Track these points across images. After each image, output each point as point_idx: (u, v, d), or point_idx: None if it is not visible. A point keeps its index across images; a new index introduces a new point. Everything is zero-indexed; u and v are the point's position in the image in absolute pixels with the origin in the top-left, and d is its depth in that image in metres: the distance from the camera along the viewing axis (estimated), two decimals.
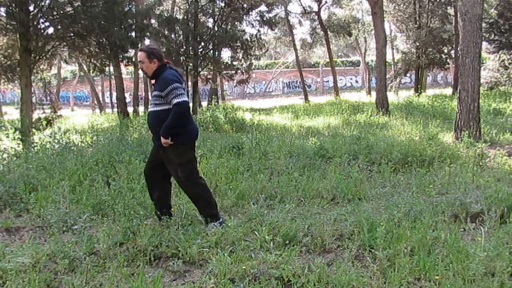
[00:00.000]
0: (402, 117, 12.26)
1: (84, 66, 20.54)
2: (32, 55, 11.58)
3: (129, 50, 14.60)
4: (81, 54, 14.18)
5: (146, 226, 3.54)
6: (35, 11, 11.19)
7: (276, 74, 44.68)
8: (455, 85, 19.22)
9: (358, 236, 3.34)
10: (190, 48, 16.58)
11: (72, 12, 11.57)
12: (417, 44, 22.62)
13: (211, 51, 19.08)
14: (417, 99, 16.36)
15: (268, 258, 2.98)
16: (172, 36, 17.58)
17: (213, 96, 24.15)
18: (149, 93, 23.69)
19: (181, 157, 3.66)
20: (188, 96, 3.23)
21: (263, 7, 20.84)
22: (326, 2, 26.96)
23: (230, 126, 11.21)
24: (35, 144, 6.96)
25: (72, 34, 12.26)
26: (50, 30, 12.24)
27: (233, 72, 20.42)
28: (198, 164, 4.17)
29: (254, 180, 5.06)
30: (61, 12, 11.46)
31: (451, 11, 22.58)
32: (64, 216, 3.91)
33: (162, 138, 3.56)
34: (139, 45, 15.54)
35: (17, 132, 7.07)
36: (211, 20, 19.35)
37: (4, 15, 11.29)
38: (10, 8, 10.70)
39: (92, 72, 17.93)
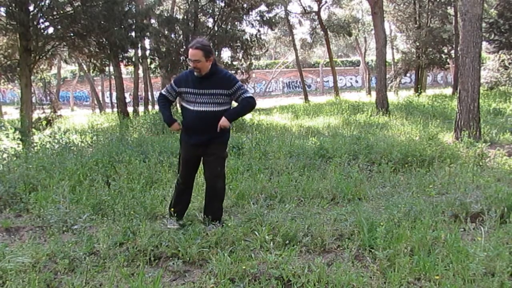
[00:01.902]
0: (402, 117, 12.26)
1: (84, 66, 20.56)
2: (32, 55, 11.59)
3: (129, 50, 14.61)
4: (81, 54, 14.19)
5: (146, 226, 3.53)
6: (35, 11, 11.19)
7: (276, 74, 44.68)
8: (455, 85, 19.22)
9: (358, 236, 3.34)
10: None
11: (72, 12, 11.58)
12: (417, 44, 22.63)
13: None
14: (417, 99, 16.37)
15: (268, 258, 2.97)
16: (172, 36, 17.60)
17: None
18: (149, 93, 23.75)
19: (225, 152, 3.84)
20: None
21: (263, 7, 20.85)
22: (326, 2, 26.97)
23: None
24: (35, 144, 6.96)
25: (72, 34, 12.27)
26: (50, 30, 12.26)
27: (233, 72, 20.43)
28: None
29: (254, 180, 5.06)
30: (61, 12, 11.46)
31: (451, 11, 22.58)
32: (64, 216, 3.90)
33: (225, 121, 3.57)
34: (139, 45, 15.59)
35: (17, 132, 7.07)
36: (211, 20, 19.38)
37: (4, 15, 11.30)
38: (10, 8, 10.70)
39: (92, 72, 17.94)
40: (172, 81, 3.84)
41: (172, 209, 3.77)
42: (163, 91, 3.84)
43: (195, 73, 3.60)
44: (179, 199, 3.87)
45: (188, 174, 3.84)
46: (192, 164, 3.82)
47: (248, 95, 3.67)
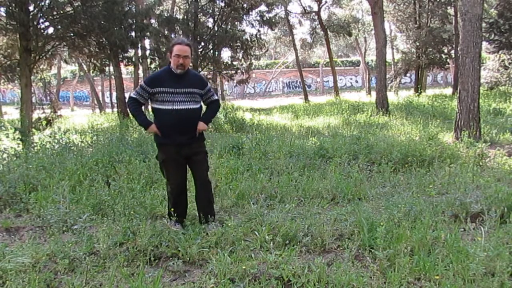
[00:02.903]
0: (402, 117, 12.26)
1: (84, 66, 20.57)
2: (32, 55, 11.60)
3: (129, 50, 14.61)
4: (81, 54, 14.20)
5: (146, 226, 3.53)
6: (35, 11, 11.20)
7: (276, 74, 44.70)
8: (455, 85, 19.22)
9: (358, 236, 3.34)
10: None
11: (72, 12, 11.58)
12: (417, 44, 22.62)
13: (211, 51, 19.10)
14: (417, 99, 16.36)
15: (268, 258, 2.97)
16: (172, 36, 17.59)
17: None
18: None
19: (205, 147, 3.96)
20: None
21: (263, 7, 20.87)
22: (326, 2, 26.98)
23: (230, 126, 11.21)
24: (35, 144, 6.96)
25: (72, 34, 12.28)
26: (50, 30, 12.27)
27: (233, 72, 20.45)
28: None
29: (254, 180, 5.06)
30: (61, 12, 11.47)
31: (451, 11, 22.57)
32: (64, 216, 3.91)
33: (204, 125, 3.76)
34: (139, 45, 15.59)
35: (17, 132, 7.08)
36: (211, 20, 19.38)
37: (4, 15, 11.30)
38: (10, 8, 10.71)
39: (92, 72, 17.96)
40: (142, 83, 3.72)
41: (172, 209, 3.74)
42: (132, 95, 3.72)
43: (178, 71, 3.60)
44: (176, 204, 3.79)
45: (179, 176, 3.77)
46: (180, 164, 3.76)
47: (216, 98, 3.94)
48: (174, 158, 3.70)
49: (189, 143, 3.69)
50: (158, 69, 18.13)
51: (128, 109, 3.82)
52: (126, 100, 3.78)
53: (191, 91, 3.66)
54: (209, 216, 3.77)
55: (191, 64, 4.05)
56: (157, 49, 17.57)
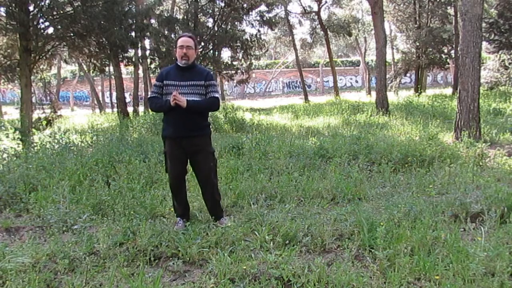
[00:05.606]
0: (402, 117, 12.25)
1: (84, 66, 20.55)
2: (32, 55, 11.59)
3: (129, 50, 14.61)
4: (81, 54, 14.19)
5: (146, 226, 3.53)
6: (35, 11, 11.20)
7: (276, 74, 44.69)
8: (455, 85, 19.23)
9: (358, 236, 3.34)
10: None
11: (72, 12, 11.57)
12: (417, 44, 22.63)
13: (211, 51, 19.08)
14: (417, 99, 16.36)
15: (268, 258, 2.97)
16: (172, 36, 17.59)
17: None
18: (149, 93, 23.74)
19: (212, 148, 3.98)
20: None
21: (263, 7, 20.86)
22: (326, 2, 26.99)
23: (230, 126, 11.20)
24: (35, 144, 6.96)
25: (72, 34, 12.27)
26: (50, 30, 12.26)
27: (233, 72, 20.44)
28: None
29: (254, 180, 5.06)
30: (61, 12, 11.46)
31: (451, 11, 22.57)
32: (64, 216, 3.91)
33: (184, 100, 3.57)
34: (139, 45, 15.59)
35: (17, 132, 7.08)
36: (211, 20, 19.37)
37: (4, 15, 11.30)
38: (10, 8, 10.70)
39: (92, 72, 17.94)
40: (154, 83, 3.90)
41: (175, 203, 3.91)
42: (150, 95, 3.86)
43: (182, 61, 3.70)
44: (176, 197, 3.88)
45: (177, 170, 3.77)
46: (179, 159, 3.75)
47: (216, 95, 3.80)
48: (174, 151, 3.73)
49: (189, 136, 3.68)
50: (158, 69, 18.18)
51: (150, 109, 3.98)
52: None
53: (194, 83, 3.69)
54: (217, 214, 3.86)
55: None
56: (157, 49, 17.56)
